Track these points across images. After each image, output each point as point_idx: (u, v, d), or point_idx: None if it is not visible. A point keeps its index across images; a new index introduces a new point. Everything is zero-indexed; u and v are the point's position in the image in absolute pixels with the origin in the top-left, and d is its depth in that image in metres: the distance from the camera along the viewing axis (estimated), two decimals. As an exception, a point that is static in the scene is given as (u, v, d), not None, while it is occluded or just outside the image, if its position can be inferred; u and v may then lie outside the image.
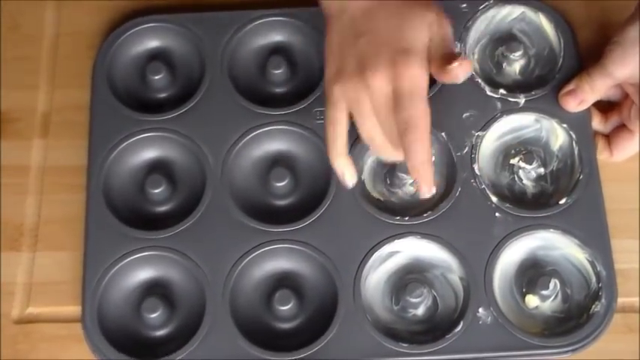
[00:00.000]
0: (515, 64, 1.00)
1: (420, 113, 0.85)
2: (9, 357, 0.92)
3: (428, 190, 0.86)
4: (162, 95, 1.01)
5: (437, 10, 0.88)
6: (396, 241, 0.93)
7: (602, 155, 0.96)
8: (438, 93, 0.98)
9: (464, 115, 0.97)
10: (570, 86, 0.96)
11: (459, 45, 1.00)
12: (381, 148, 0.88)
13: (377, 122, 0.86)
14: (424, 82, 0.86)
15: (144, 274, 0.93)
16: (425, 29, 0.87)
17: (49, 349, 0.92)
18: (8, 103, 1.01)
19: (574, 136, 0.96)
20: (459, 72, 0.85)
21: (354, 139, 0.92)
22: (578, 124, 0.97)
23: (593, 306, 0.91)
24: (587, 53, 1.00)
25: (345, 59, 0.87)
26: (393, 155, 0.89)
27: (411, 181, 0.96)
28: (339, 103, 0.87)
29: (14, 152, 0.99)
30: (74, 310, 0.92)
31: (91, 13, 1.04)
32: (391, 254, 0.93)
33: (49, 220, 0.97)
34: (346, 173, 0.89)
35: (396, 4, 0.87)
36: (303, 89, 0.98)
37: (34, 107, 1.01)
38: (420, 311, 0.92)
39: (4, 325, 0.93)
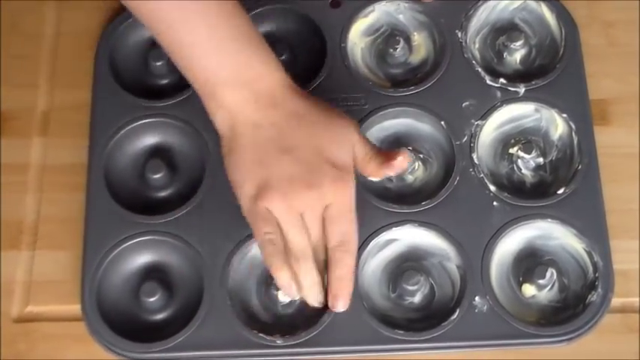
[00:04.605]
0: (516, 54, 1.00)
1: (352, 229, 0.87)
2: (8, 356, 0.91)
3: (343, 304, 0.87)
4: (164, 82, 1.01)
5: (358, 130, 0.88)
6: (394, 229, 0.93)
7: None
8: (438, 82, 0.98)
9: (463, 104, 0.97)
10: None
11: (459, 34, 1.00)
12: (308, 266, 0.86)
13: (308, 238, 0.86)
14: (354, 200, 0.87)
15: (143, 258, 0.93)
16: (349, 147, 0.87)
17: (49, 348, 0.92)
18: (8, 102, 1.01)
19: (573, 126, 0.96)
20: (403, 163, 0.89)
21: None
22: (577, 114, 0.97)
23: (590, 296, 0.91)
24: (589, 52, 1.00)
25: (268, 176, 0.85)
26: (311, 279, 0.87)
27: (410, 169, 0.96)
28: (269, 220, 0.85)
29: (14, 150, 0.99)
30: (74, 308, 0.92)
31: (91, 12, 1.04)
32: (389, 242, 0.93)
33: (48, 219, 0.96)
34: (293, 284, 0.87)
35: (315, 118, 0.87)
36: (299, 79, 0.97)
37: (34, 106, 1.01)
38: (417, 299, 0.92)
39: (4, 323, 0.92)
